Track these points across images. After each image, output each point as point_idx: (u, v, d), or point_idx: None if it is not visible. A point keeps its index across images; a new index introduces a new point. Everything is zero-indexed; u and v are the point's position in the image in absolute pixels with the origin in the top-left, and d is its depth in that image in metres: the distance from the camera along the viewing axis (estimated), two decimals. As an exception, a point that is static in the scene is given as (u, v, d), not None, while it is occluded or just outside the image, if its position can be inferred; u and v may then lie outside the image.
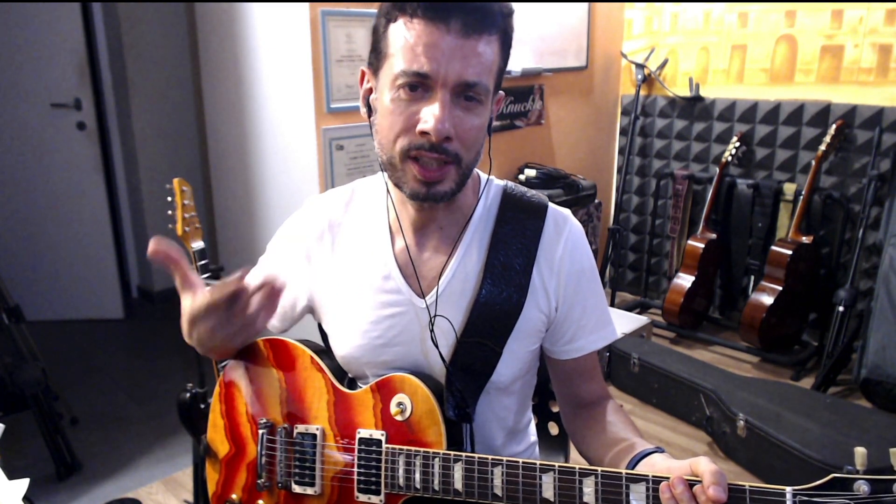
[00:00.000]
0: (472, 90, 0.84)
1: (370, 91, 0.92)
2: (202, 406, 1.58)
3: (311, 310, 1.08)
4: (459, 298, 0.96)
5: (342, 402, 0.97)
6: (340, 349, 1.02)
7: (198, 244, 1.74)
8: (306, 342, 1.02)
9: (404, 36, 0.82)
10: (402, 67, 0.82)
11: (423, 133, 0.83)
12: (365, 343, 0.99)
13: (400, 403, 0.92)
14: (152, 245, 0.83)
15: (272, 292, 0.86)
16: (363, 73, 0.93)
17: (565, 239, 0.98)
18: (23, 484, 1.00)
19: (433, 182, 0.86)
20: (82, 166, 3.36)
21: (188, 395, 1.57)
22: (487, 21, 0.83)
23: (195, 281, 0.89)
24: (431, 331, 0.95)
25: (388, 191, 1.00)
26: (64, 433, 2.31)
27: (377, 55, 0.88)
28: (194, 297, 0.88)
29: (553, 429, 1.30)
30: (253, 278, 1.05)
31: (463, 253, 0.97)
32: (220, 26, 2.63)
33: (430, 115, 0.82)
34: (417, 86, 0.83)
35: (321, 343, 1.17)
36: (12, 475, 1.02)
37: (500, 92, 0.93)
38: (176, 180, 1.72)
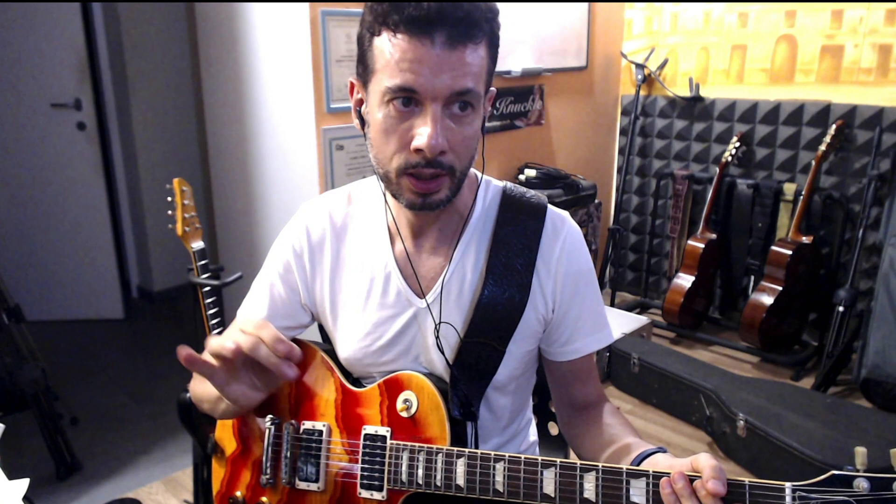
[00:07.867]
0: (464, 98, 0.82)
1: (361, 102, 0.90)
2: (202, 406, 1.58)
3: (313, 316, 1.08)
4: (458, 299, 0.96)
5: (350, 400, 0.97)
6: (343, 351, 1.02)
7: (198, 244, 1.74)
8: (317, 343, 1.03)
9: (389, 51, 0.80)
10: (389, 84, 0.80)
11: (418, 150, 0.82)
12: (367, 345, 0.99)
13: (406, 400, 0.93)
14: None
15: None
16: (352, 84, 0.91)
17: (563, 241, 0.98)
18: (23, 484, 1.00)
19: (428, 193, 0.86)
20: (82, 166, 3.36)
21: (188, 395, 1.57)
22: (473, 30, 0.80)
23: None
24: (437, 336, 0.95)
25: (384, 197, 0.99)
26: (64, 433, 2.31)
27: (364, 68, 0.86)
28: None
29: (553, 429, 1.30)
30: (254, 293, 1.07)
31: (461, 254, 0.97)
32: (220, 26, 2.63)
33: (422, 132, 0.81)
34: (409, 100, 0.81)
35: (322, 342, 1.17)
36: (12, 475, 1.02)
37: (492, 89, 0.92)
38: (176, 180, 1.72)
